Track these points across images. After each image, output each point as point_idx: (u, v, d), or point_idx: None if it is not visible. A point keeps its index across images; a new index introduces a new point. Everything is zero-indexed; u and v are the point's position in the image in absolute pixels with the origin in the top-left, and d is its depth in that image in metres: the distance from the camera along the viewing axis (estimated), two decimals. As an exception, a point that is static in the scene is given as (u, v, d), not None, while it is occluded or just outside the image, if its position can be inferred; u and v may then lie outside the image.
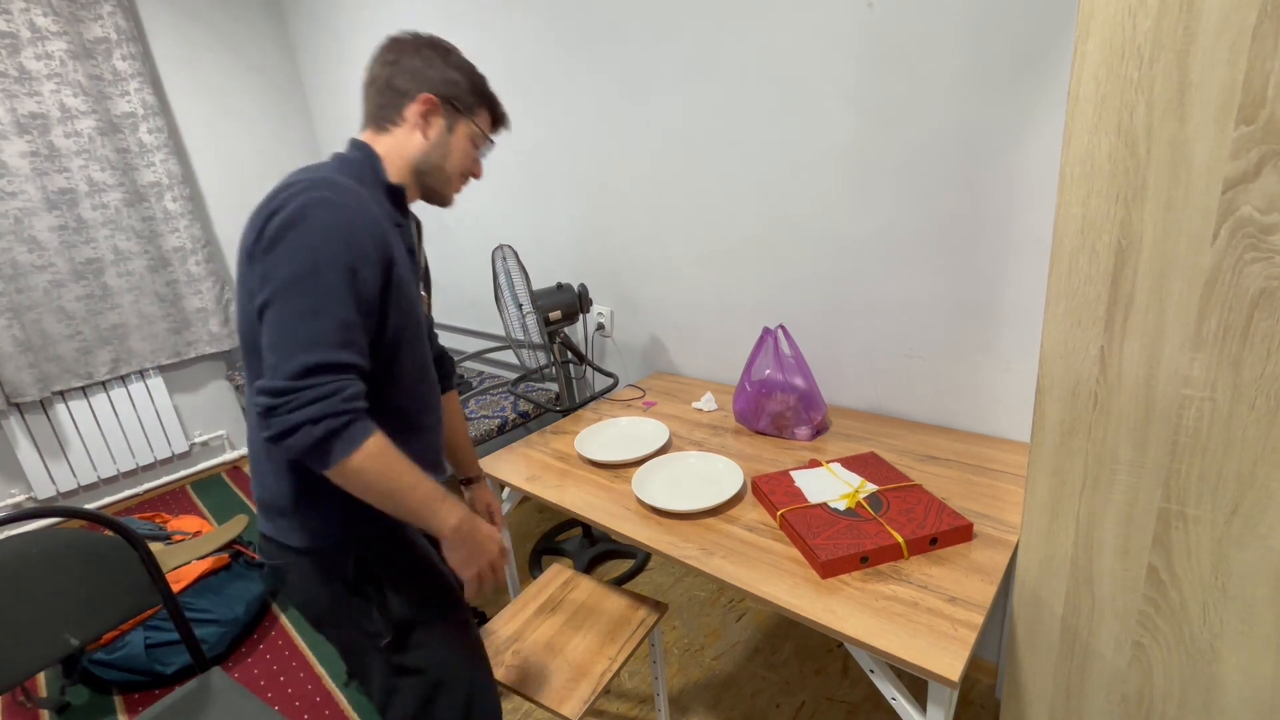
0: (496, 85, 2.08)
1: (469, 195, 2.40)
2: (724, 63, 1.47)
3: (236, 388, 2.85)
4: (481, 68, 2.10)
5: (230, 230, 2.95)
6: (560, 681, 1.07)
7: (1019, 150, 1.14)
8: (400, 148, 0.88)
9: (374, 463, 0.74)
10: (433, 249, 2.71)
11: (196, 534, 1.99)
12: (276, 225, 0.72)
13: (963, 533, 0.97)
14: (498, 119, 0.98)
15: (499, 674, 1.10)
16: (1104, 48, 0.67)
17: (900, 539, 0.95)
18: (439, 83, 0.88)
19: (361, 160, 0.86)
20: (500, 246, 1.70)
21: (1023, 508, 0.90)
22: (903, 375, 1.42)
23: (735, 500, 1.16)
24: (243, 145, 2.95)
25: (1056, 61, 1.06)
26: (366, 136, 0.89)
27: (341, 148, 2.52)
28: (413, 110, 0.87)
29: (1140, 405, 0.75)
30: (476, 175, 0.98)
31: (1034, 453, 0.85)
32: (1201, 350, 0.69)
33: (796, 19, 1.33)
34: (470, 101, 0.92)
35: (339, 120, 2.95)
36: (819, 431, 1.38)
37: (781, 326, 1.41)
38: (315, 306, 0.71)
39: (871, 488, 1.09)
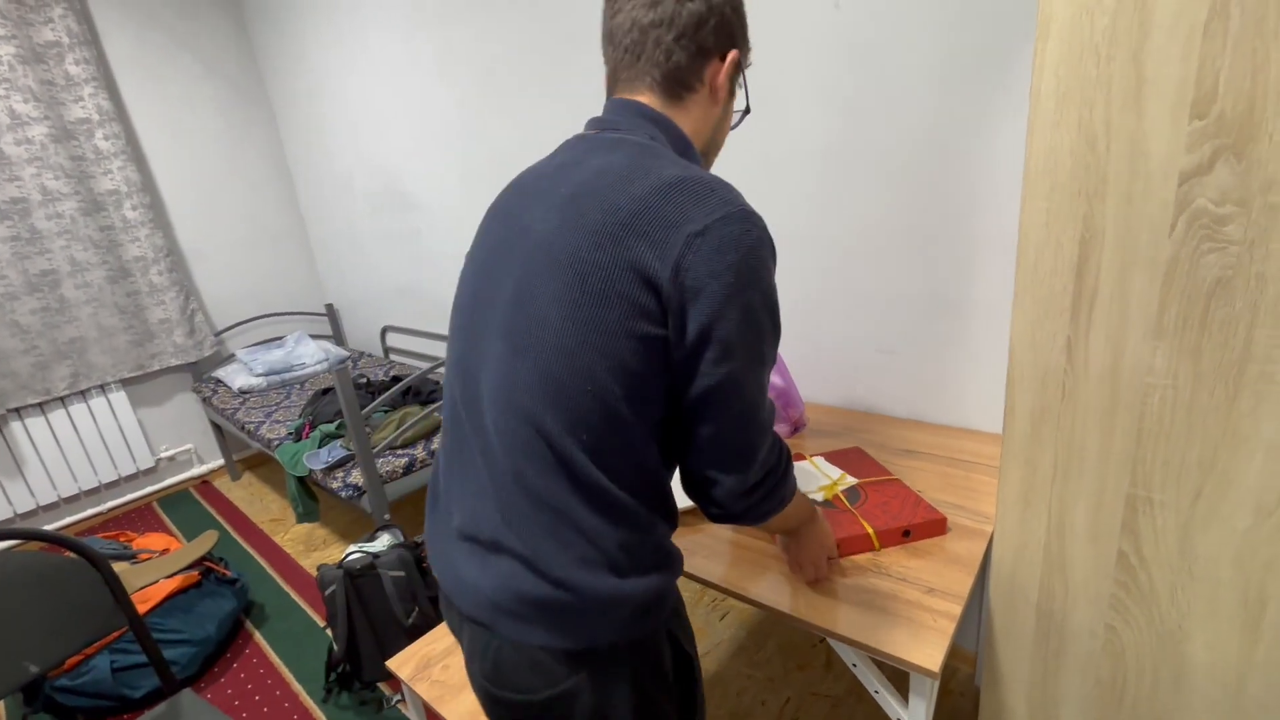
0: (469, 91, 2.06)
1: (439, 200, 2.37)
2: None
3: (204, 400, 2.77)
4: (452, 74, 2.08)
5: (194, 238, 2.87)
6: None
7: (985, 147, 1.16)
8: (698, 126, 0.69)
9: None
10: (405, 253, 2.67)
11: (164, 552, 1.93)
12: (727, 261, 0.55)
13: (936, 526, 0.98)
14: (749, 60, 0.76)
15: (423, 690, 1.09)
16: (1063, 46, 0.69)
17: (871, 530, 0.96)
18: (741, 34, 0.69)
19: (693, 157, 0.68)
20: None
21: (997, 497, 0.91)
22: (878, 371, 1.44)
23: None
24: (205, 151, 2.87)
25: (1020, 60, 1.08)
26: (657, 105, 0.67)
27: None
28: (719, 74, 0.68)
29: (1106, 394, 0.77)
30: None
31: (1006, 443, 0.87)
32: (1163, 339, 0.71)
33: (768, 21, 1.34)
34: (748, 54, 0.72)
35: (304, 125, 2.89)
36: (796, 429, 1.39)
37: (758, 325, 1.41)
38: (767, 359, 0.63)
39: (851, 481, 1.10)
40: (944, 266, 1.28)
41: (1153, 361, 0.73)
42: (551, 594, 0.60)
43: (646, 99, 0.67)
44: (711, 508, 0.67)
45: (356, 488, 1.78)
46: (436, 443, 1.96)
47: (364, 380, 2.40)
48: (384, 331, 3.02)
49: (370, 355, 3.07)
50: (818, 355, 1.52)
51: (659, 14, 0.64)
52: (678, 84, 0.66)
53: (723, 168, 1.50)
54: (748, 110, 0.77)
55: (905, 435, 1.34)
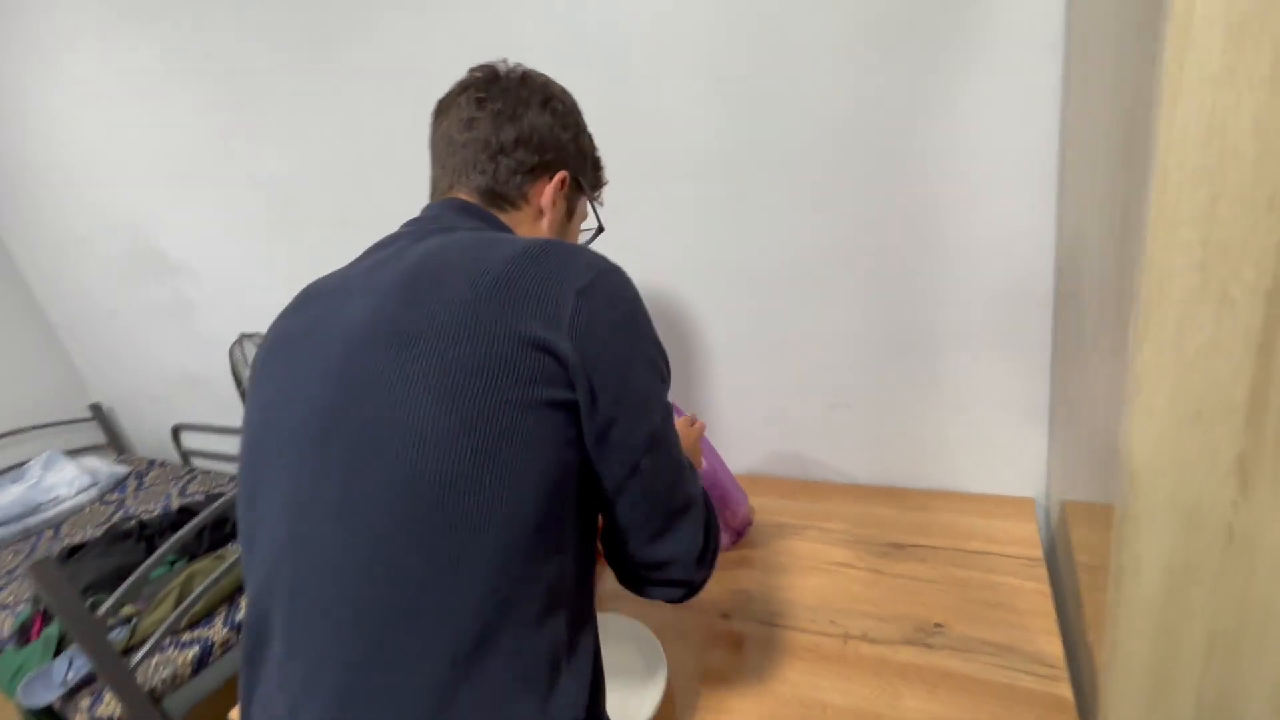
0: (222, 108, 1.47)
1: (207, 258, 1.75)
2: (524, 41, 1.04)
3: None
4: (195, 87, 1.48)
5: None
6: None
7: (934, 129, 0.84)
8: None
9: None
10: (180, 330, 2.00)
11: None
12: (620, 313, 0.50)
13: None
14: (600, 185, 0.74)
15: None
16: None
17: None
18: (572, 153, 0.66)
19: None
20: (240, 339, 1.14)
21: (1103, 663, 0.59)
22: (828, 429, 1.11)
23: (664, 707, 0.75)
24: None
25: (972, 8, 0.77)
26: (482, 205, 0.62)
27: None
28: (545, 193, 0.64)
29: (1311, 538, 0.45)
30: None
31: (1120, 608, 0.54)
32: None
33: (616, -27, 0.94)
34: (592, 176, 0.71)
35: (6, 169, 2.10)
36: (740, 534, 1.02)
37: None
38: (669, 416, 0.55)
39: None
40: (901, 290, 0.95)
41: (1404, 486, 0.41)
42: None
43: (469, 199, 0.63)
44: (676, 590, 0.56)
45: (112, 720, 1.17)
46: (244, 612, 1.38)
47: (131, 524, 1.72)
48: (177, 431, 2.30)
49: (164, 464, 2.33)
50: (749, 418, 1.16)
51: (475, 134, 0.62)
52: (499, 198, 0.63)
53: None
54: (600, 229, 0.75)
55: (880, 515, 1.01)
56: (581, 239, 0.74)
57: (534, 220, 0.65)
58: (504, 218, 0.62)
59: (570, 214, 0.69)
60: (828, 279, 0.99)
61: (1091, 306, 0.62)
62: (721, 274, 1.07)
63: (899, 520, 0.99)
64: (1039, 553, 0.87)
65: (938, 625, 0.79)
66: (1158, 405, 0.45)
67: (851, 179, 0.92)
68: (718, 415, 1.18)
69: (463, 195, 0.62)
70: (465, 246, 0.51)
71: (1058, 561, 0.87)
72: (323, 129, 1.34)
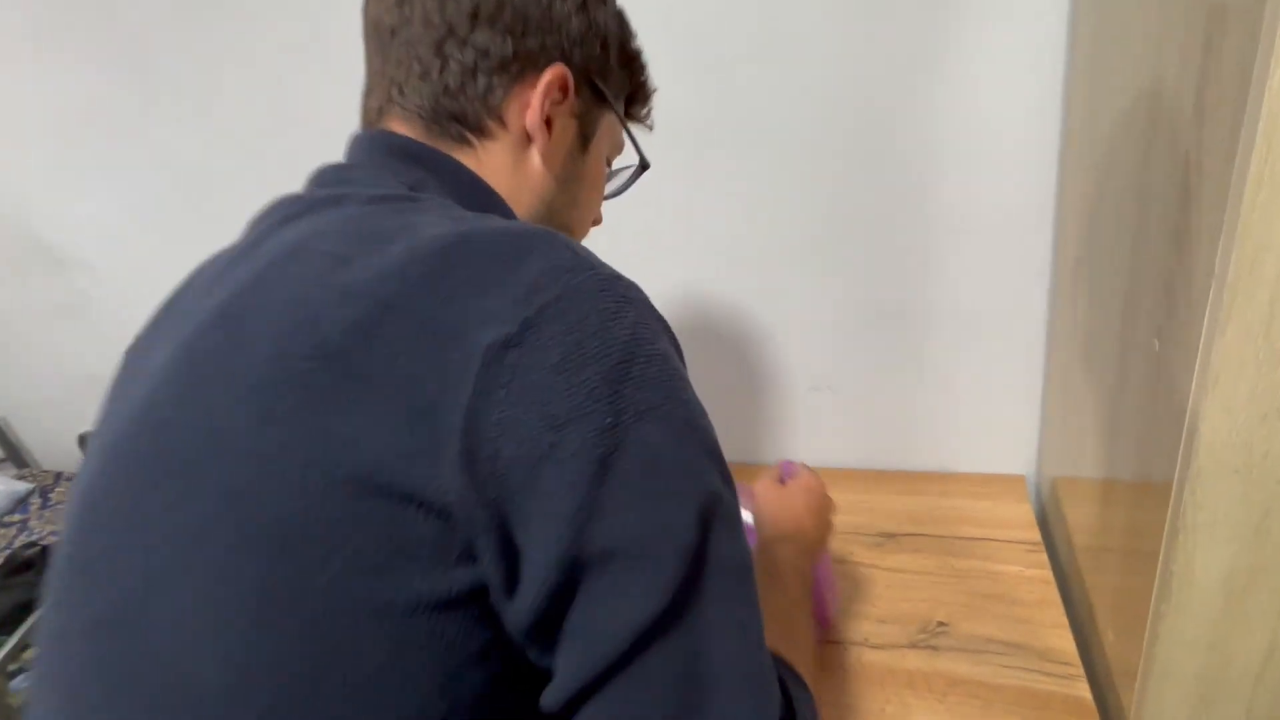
0: (93, 69, 1.26)
1: (103, 246, 1.54)
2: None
3: None
4: (58, 39, 1.26)
5: None
6: None
7: (928, 95, 0.77)
8: (514, 185, 0.40)
9: None
10: (80, 331, 1.78)
11: None
12: (597, 371, 0.25)
13: None
14: (641, 96, 0.51)
15: None
16: None
17: None
18: (575, 35, 0.40)
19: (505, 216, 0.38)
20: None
21: (1109, 659, 0.55)
22: (810, 413, 1.04)
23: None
24: None
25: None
26: (426, 139, 0.38)
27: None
28: (531, 104, 0.38)
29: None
30: (598, 221, 0.53)
31: (1169, 618, 0.49)
32: None
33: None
34: (621, 77, 0.46)
35: None
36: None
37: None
38: (749, 589, 0.29)
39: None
40: (884, 267, 0.89)
41: None
42: None
43: (407, 130, 0.38)
44: None
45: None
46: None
47: (35, 549, 1.52)
48: (84, 440, 2.07)
49: (72, 476, 2.10)
50: (725, 402, 1.08)
51: (410, 10, 0.37)
52: (453, 120, 0.38)
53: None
54: (644, 165, 0.52)
55: (871, 503, 0.95)
56: (613, 185, 0.52)
57: (517, 151, 0.40)
58: (462, 156, 0.38)
59: (585, 141, 0.44)
60: (809, 254, 0.91)
61: (1118, 281, 0.56)
62: (696, 251, 0.97)
63: (888, 507, 0.94)
64: (1037, 536, 0.83)
65: (941, 624, 0.74)
66: (1236, 399, 0.39)
67: (831, 148, 0.83)
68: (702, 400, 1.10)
69: (395, 124, 0.39)
70: (321, 258, 0.29)
71: (1054, 541, 0.84)
72: (240, 101, 1.15)
